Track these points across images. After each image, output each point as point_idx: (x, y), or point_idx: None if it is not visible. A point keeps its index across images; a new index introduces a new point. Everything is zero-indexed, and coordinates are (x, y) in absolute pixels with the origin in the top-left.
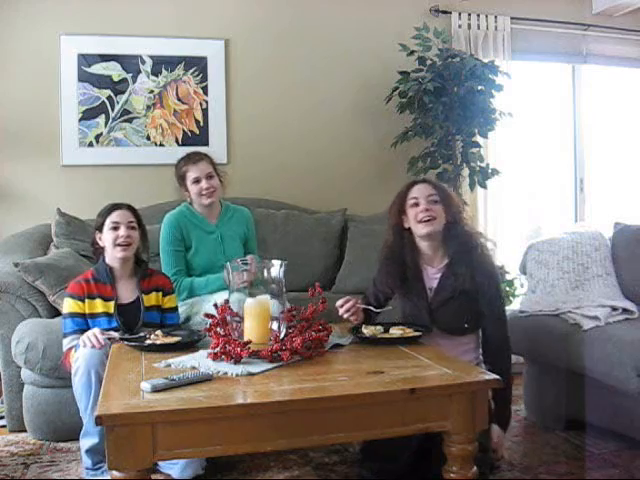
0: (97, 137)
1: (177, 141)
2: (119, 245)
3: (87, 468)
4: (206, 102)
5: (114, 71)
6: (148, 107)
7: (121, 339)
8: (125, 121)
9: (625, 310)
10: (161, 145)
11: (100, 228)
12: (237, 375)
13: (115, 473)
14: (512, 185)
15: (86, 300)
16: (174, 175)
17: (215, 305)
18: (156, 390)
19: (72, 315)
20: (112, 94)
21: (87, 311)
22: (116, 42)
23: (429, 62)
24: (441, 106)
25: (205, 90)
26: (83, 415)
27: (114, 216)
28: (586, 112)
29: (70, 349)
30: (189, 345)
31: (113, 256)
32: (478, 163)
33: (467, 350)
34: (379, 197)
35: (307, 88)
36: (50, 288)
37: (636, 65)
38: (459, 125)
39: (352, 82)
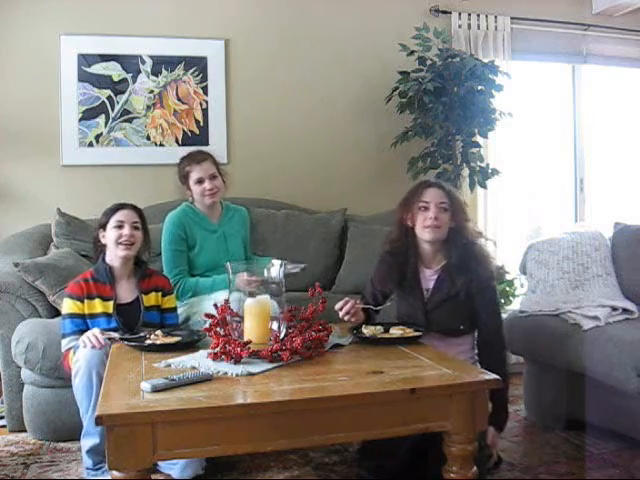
0: (97, 137)
1: (177, 141)
2: (122, 244)
3: (88, 468)
4: (206, 102)
5: (114, 71)
6: (148, 107)
7: (121, 339)
8: (125, 121)
9: (625, 310)
10: (161, 145)
11: (104, 226)
12: (237, 375)
13: (115, 473)
14: (512, 185)
15: (85, 300)
16: (176, 173)
17: (215, 305)
18: (156, 390)
19: (71, 316)
20: (112, 94)
21: (86, 311)
22: (116, 42)
23: (429, 62)
24: (441, 106)
25: (205, 90)
26: (84, 415)
27: (119, 215)
28: (586, 112)
29: (69, 350)
30: (189, 345)
31: (115, 255)
32: (478, 163)
33: (462, 351)
34: (379, 197)
35: (307, 88)
36: (50, 288)
37: (636, 65)
38: (459, 125)
39: (352, 82)
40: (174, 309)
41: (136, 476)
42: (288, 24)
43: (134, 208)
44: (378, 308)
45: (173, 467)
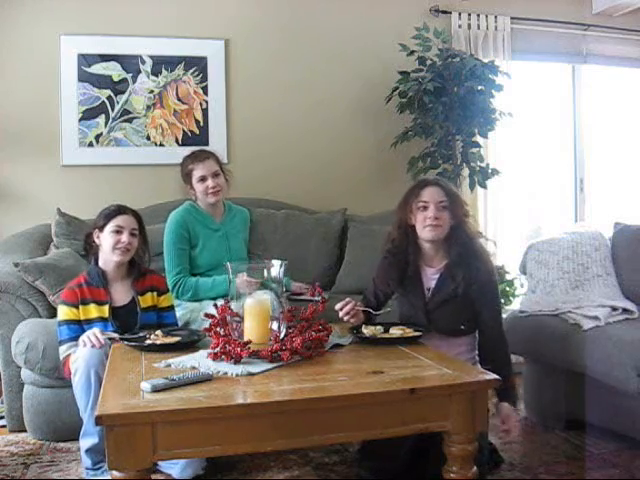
0: (97, 137)
1: (177, 141)
2: (118, 249)
3: (87, 468)
4: (206, 102)
5: (114, 71)
6: (148, 107)
7: (121, 339)
8: (125, 121)
9: (625, 310)
10: (161, 145)
11: (101, 227)
12: (237, 375)
13: (115, 473)
14: (512, 185)
15: (80, 306)
16: (180, 172)
17: (215, 305)
18: (156, 390)
19: (67, 322)
20: (112, 94)
21: (82, 317)
22: (116, 42)
23: (429, 62)
24: (441, 106)
25: (205, 90)
26: (83, 415)
27: (119, 220)
28: (586, 112)
29: (68, 356)
30: (189, 345)
31: (109, 259)
32: (478, 163)
33: (462, 351)
34: (379, 197)
35: (307, 88)
36: (50, 288)
37: (636, 65)
38: (459, 125)
39: (352, 82)
40: (171, 307)
41: (136, 476)
42: (288, 24)
43: (134, 213)
44: (378, 313)
45: (173, 467)
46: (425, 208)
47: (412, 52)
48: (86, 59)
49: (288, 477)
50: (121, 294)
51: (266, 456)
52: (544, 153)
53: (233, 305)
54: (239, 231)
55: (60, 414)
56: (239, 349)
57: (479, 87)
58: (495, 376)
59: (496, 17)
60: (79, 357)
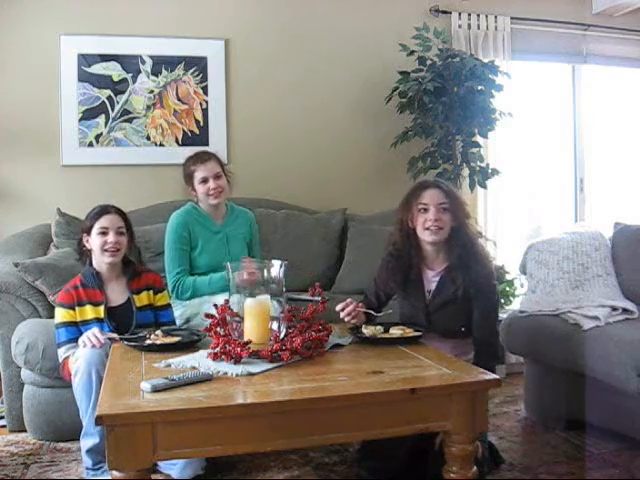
0: (97, 137)
1: (177, 141)
2: (107, 251)
3: (87, 468)
4: (206, 102)
5: (114, 71)
6: (148, 107)
7: (121, 339)
8: (125, 121)
9: (625, 310)
10: (161, 145)
11: (88, 231)
12: (237, 375)
13: (115, 473)
14: (512, 185)
15: (76, 307)
16: (181, 173)
17: (215, 305)
18: (156, 390)
19: (64, 324)
20: (112, 94)
21: (78, 318)
22: (116, 42)
23: (429, 62)
24: (441, 106)
25: (205, 90)
26: (83, 415)
27: (103, 221)
28: (586, 112)
29: (67, 358)
30: (189, 345)
31: (101, 261)
32: (478, 163)
33: (462, 352)
34: (379, 197)
35: (307, 88)
36: (50, 288)
37: (636, 65)
38: (459, 125)
39: (352, 82)
40: (167, 306)
41: (136, 476)
42: (288, 24)
43: (118, 212)
44: (379, 314)
45: (173, 467)
46: (426, 210)
47: (412, 52)
48: (86, 59)
49: (288, 477)
50: (117, 294)
51: (266, 456)
52: (544, 153)
53: (232, 300)
54: (241, 234)
55: (60, 414)
56: (239, 349)
57: (479, 87)
58: (495, 376)
59: (496, 17)
60: (79, 357)
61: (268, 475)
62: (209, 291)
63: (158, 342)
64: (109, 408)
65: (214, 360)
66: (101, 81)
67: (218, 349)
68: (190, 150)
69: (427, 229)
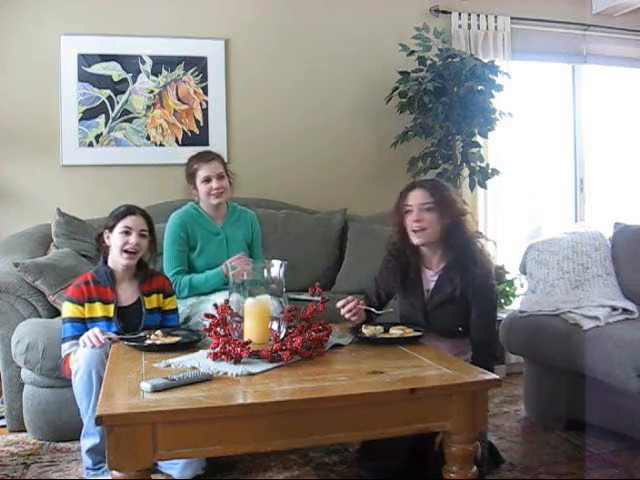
0: (97, 137)
1: (177, 141)
2: (126, 252)
3: (88, 468)
4: (206, 102)
5: (114, 71)
6: (148, 107)
7: (121, 339)
8: (125, 121)
9: (625, 310)
10: (161, 145)
11: (111, 228)
12: (237, 375)
13: (115, 473)
14: (512, 185)
15: (86, 304)
16: (183, 172)
17: (215, 305)
18: (156, 390)
19: (71, 320)
20: (112, 94)
21: (87, 315)
22: (116, 42)
23: (429, 62)
24: (441, 106)
25: (205, 90)
26: (84, 415)
27: (128, 221)
28: (586, 112)
29: (69, 355)
30: (189, 345)
31: (118, 261)
32: (478, 163)
33: (460, 352)
34: (379, 197)
35: (307, 88)
36: (50, 288)
37: (636, 65)
38: (459, 125)
39: (352, 82)
40: (175, 310)
41: (136, 476)
42: (288, 24)
43: (143, 214)
44: (380, 312)
45: (173, 467)
46: (410, 212)
47: (412, 52)
48: (86, 59)
49: (288, 477)
50: (127, 294)
51: (266, 456)
52: (544, 153)
53: (232, 300)
54: (241, 235)
55: (60, 414)
56: (239, 349)
57: (479, 87)
58: (495, 376)
59: (496, 17)
60: (79, 357)
61: (268, 475)
62: (206, 288)
63: (158, 342)
64: (109, 408)
65: (214, 360)
66: (101, 81)
67: (218, 349)
68: (190, 150)
69: (413, 231)
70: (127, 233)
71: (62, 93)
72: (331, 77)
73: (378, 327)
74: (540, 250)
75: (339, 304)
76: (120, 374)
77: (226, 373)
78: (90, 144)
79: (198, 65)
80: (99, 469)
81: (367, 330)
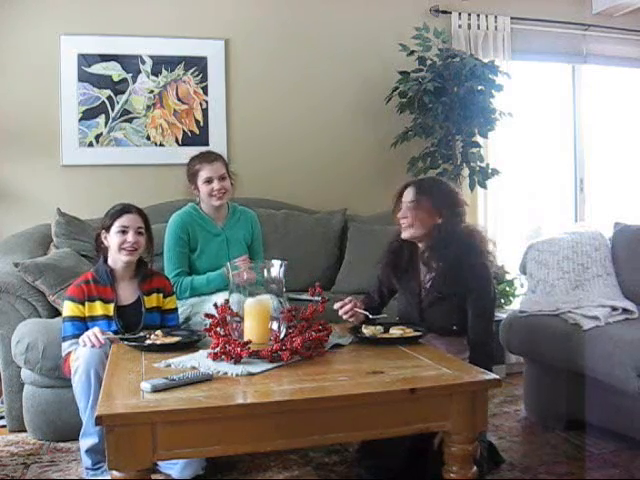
0: (97, 137)
1: (177, 141)
2: (125, 249)
3: (87, 468)
4: (206, 102)
5: (114, 71)
6: (148, 107)
7: (121, 339)
8: (125, 121)
9: (625, 310)
10: (161, 145)
11: (107, 228)
12: (237, 375)
13: (115, 473)
14: (512, 185)
15: (86, 303)
16: (185, 172)
17: (215, 305)
18: (156, 390)
19: (72, 319)
20: (112, 94)
21: (87, 314)
22: (116, 42)
23: (429, 62)
24: (441, 106)
25: (205, 90)
26: (83, 415)
27: (124, 220)
28: (586, 112)
29: (69, 353)
30: (189, 345)
31: (117, 259)
32: (478, 163)
33: (457, 351)
34: (379, 197)
35: (307, 88)
36: (50, 288)
37: (636, 65)
38: (459, 125)
39: (352, 82)
40: (175, 310)
41: (136, 476)
42: (288, 24)
43: (139, 212)
44: (375, 317)
45: (173, 467)
46: (400, 208)
47: (412, 52)
48: (86, 59)
49: (288, 477)
50: (127, 293)
51: (266, 456)
52: (544, 153)
53: (232, 300)
54: (242, 236)
55: (60, 414)
56: (239, 349)
57: (479, 87)
58: (495, 376)
59: (496, 17)
60: (79, 357)
61: (268, 475)
62: (208, 289)
63: (158, 342)
64: (109, 408)
65: (214, 360)
66: (101, 81)
67: (218, 349)
68: (190, 150)
69: (402, 228)
70: (124, 232)
71: (62, 93)
72: (331, 77)
73: (378, 327)
74: (540, 250)
75: (336, 305)
76: (120, 374)
77: (226, 373)
78: (90, 144)
79: (198, 65)
80: (98, 469)
81: (367, 330)
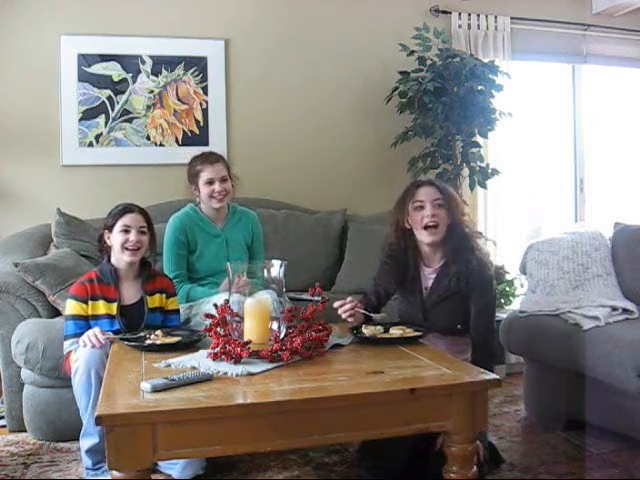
0: (97, 137)
1: (177, 141)
2: (128, 249)
3: (87, 468)
4: (206, 102)
5: (114, 71)
6: (148, 107)
7: (121, 339)
8: (125, 121)
9: (625, 310)
10: (161, 145)
11: (110, 228)
12: (237, 375)
13: (115, 473)
14: (512, 185)
15: (89, 302)
16: (183, 173)
17: (215, 305)
18: (156, 390)
19: (74, 317)
20: (112, 94)
21: (90, 313)
22: (116, 42)
23: (429, 62)
24: (441, 106)
25: (205, 90)
26: (83, 415)
27: (126, 219)
28: (586, 112)
29: (70, 352)
30: (189, 345)
31: (120, 259)
32: (478, 163)
33: (460, 351)
34: (379, 197)
35: (307, 88)
36: (50, 288)
37: (636, 65)
38: (459, 125)
39: (352, 82)
40: (177, 311)
41: (136, 476)
42: (288, 24)
43: (141, 211)
44: (375, 316)
45: (173, 467)
46: (421, 208)
47: (412, 52)
48: (86, 59)
49: (288, 477)
50: (130, 293)
51: (266, 456)
52: (544, 153)
53: (232, 300)
54: (242, 237)
55: (60, 414)
56: (239, 349)
57: (479, 87)
58: (495, 376)
59: (496, 17)
60: (79, 357)
61: (268, 475)
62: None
63: (158, 342)
64: (109, 408)
65: (214, 360)
66: (101, 81)
67: (218, 349)
68: (190, 150)
69: (425, 229)
70: (126, 231)
71: (62, 93)
72: (331, 77)
73: (378, 327)
74: (540, 250)
75: (336, 304)
76: (120, 374)
77: (226, 373)
78: (90, 144)
79: (198, 65)
80: (99, 469)
81: (367, 330)
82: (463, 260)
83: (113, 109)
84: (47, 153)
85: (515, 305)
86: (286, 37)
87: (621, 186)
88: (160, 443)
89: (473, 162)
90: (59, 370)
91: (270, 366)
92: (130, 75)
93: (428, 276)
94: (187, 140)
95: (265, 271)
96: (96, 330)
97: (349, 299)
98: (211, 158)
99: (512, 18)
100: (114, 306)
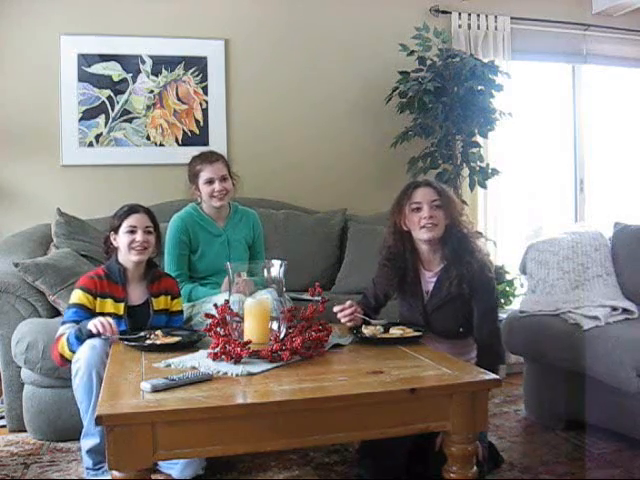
0: (97, 137)
1: (177, 141)
2: (134, 249)
3: (88, 468)
4: (206, 102)
5: (114, 71)
6: (148, 107)
7: (121, 339)
8: (125, 121)
9: (625, 310)
10: (161, 145)
11: (116, 229)
12: (237, 375)
13: (115, 473)
14: (512, 185)
15: (98, 299)
16: (183, 173)
17: (215, 305)
18: (156, 390)
19: (77, 306)
20: (112, 94)
21: (97, 310)
22: (116, 42)
23: (429, 62)
24: (441, 106)
25: (205, 90)
26: (84, 415)
27: (132, 220)
28: (586, 112)
29: (61, 336)
30: (189, 345)
31: (128, 259)
32: (478, 163)
33: (459, 353)
34: (379, 197)
35: (307, 88)
36: (50, 288)
37: (636, 65)
38: (459, 125)
39: (352, 82)
40: (180, 312)
41: (136, 476)
42: (288, 24)
43: (146, 211)
44: (374, 321)
45: (173, 467)
46: (419, 209)
47: (412, 52)
48: (86, 59)
49: (288, 477)
50: (136, 294)
51: (266, 456)
52: (544, 153)
53: (232, 300)
54: (243, 237)
55: (60, 414)
56: (239, 349)
57: (479, 87)
58: (495, 376)
59: (496, 17)
60: (80, 358)
61: (268, 475)
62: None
63: (158, 342)
64: (109, 408)
65: (214, 360)
66: (101, 81)
67: (218, 349)
68: (190, 150)
69: (422, 227)
70: (133, 232)
71: (62, 93)
72: (331, 77)
73: (378, 327)
74: (540, 250)
75: (336, 309)
76: (120, 374)
77: (226, 373)
78: (90, 144)
79: (198, 65)
80: (99, 469)
81: (367, 330)
82: (463, 263)
83: (113, 109)
84: (47, 153)
85: (515, 305)
86: (286, 37)
87: (621, 186)
88: (160, 443)
89: (473, 162)
90: (59, 370)
91: (270, 366)
92: (130, 75)
93: (429, 280)
94: (187, 140)
95: (265, 271)
96: (109, 319)
97: (348, 303)
98: (211, 157)
99: (512, 18)
100: (121, 306)
